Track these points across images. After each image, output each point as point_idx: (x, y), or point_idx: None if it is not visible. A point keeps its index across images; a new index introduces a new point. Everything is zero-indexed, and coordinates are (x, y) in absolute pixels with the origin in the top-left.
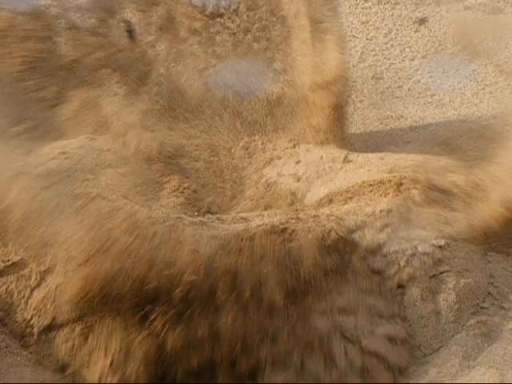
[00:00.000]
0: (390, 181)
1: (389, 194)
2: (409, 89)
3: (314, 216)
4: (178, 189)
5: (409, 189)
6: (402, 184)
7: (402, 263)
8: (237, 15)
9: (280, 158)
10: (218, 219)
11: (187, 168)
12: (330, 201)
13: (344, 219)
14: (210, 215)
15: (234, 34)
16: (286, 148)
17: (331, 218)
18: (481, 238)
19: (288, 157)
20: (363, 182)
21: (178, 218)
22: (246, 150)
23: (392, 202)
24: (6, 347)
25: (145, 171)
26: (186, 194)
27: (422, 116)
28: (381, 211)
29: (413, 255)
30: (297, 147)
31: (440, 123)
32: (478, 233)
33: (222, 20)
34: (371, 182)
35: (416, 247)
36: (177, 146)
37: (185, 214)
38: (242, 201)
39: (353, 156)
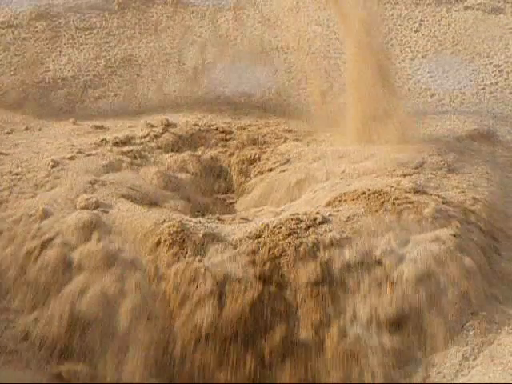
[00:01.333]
0: (386, 193)
1: (388, 209)
2: (409, 89)
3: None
4: (178, 192)
5: (408, 202)
6: (402, 197)
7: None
8: None
9: (278, 164)
10: (218, 219)
11: (186, 176)
12: (326, 205)
13: (342, 247)
14: (210, 215)
15: None
16: (279, 163)
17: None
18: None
19: (285, 162)
20: (355, 191)
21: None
22: (243, 162)
23: (392, 227)
24: None
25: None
26: (187, 196)
27: (422, 116)
28: (382, 243)
29: (412, 263)
30: (291, 152)
31: (440, 123)
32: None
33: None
34: (366, 191)
35: (419, 250)
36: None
37: (185, 214)
38: (242, 201)
39: (351, 160)
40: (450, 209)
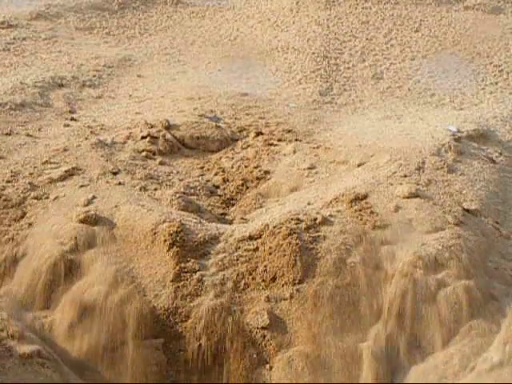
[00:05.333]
0: (383, 199)
1: (383, 214)
2: (409, 89)
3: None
4: (179, 191)
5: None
6: (399, 202)
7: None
8: None
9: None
10: (218, 219)
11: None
12: (326, 204)
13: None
14: (211, 215)
15: None
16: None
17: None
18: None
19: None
20: (354, 193)
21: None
22: (238, 167)
23: (391, 229)
24: None
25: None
26: (187, 197)
27: (421, 116)
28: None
29: (414, 258)
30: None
31: (440, 123)
32: None
33: None
34: (363, 196)
35: (419, 251)
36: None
37: (186, 212)
38: (242, 199)
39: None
40: (449, 209)
